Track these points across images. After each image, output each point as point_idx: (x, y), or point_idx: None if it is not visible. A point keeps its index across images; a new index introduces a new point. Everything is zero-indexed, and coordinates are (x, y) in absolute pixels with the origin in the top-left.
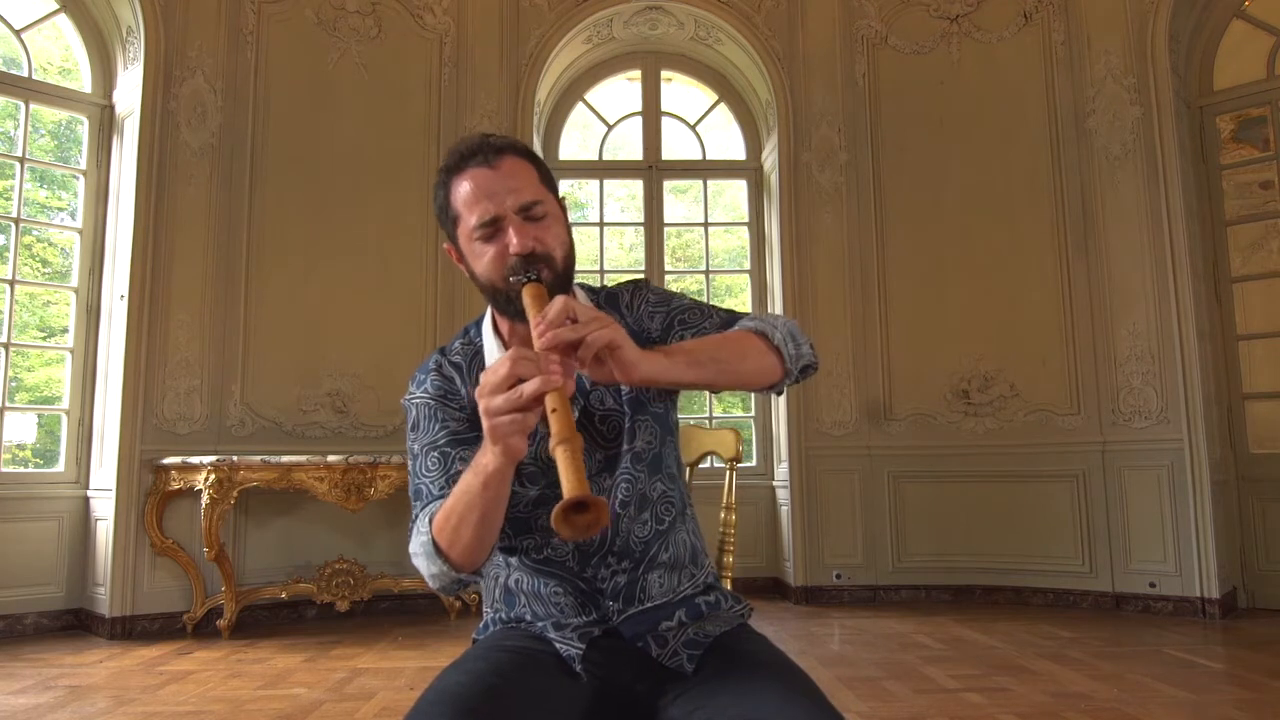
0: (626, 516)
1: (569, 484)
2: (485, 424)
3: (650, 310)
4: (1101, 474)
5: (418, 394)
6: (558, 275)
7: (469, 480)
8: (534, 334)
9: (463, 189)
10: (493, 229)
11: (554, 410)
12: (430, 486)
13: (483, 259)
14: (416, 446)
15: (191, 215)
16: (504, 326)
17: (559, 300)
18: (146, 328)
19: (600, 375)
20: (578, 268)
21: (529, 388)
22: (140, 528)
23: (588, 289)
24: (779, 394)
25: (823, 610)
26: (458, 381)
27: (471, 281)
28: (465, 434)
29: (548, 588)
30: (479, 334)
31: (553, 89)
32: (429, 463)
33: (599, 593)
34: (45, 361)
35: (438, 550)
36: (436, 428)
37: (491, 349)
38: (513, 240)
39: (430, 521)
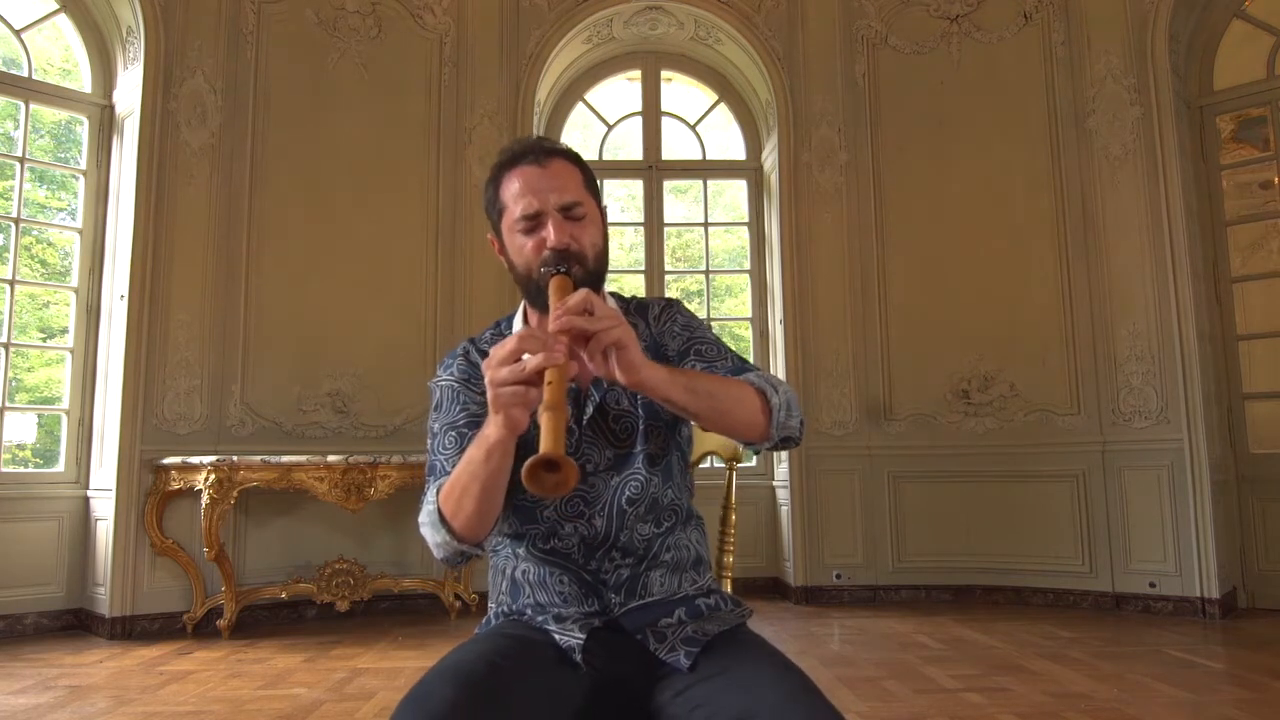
0: (633, 514)
1: (545, 443)
2: (489, 394)
3: (675, 330)
4: (1101, 474)
5: (444, 376)
6: (588, 273)
7: (473, 452)
8: (551, 318)
9: (512, 184)
10: (534, 222)
11: (549, 383)
12: (444, 464)
13: (521, 250)
14: (436, 426)
15: (191, 215)
16: (534, 319)
17: (581, 292)
18: (146, 328)
19: (602, 371)
20: None
21: (532, 361)
22: (140, 528)
23: (617, 297)
24: (755, 453)
25: (823, 610)
26: (482, 367)
27: (510, 273)
28: (483, 417)
29: (553, 577)
30: (509, 326)
31: (553, 89)
32: (446, 441)
33: (602, 584)
34: (45, 361)
35: (442, 519)
36: (457, 409)
37: None
38: (550, 235)
39: (438, 492)
